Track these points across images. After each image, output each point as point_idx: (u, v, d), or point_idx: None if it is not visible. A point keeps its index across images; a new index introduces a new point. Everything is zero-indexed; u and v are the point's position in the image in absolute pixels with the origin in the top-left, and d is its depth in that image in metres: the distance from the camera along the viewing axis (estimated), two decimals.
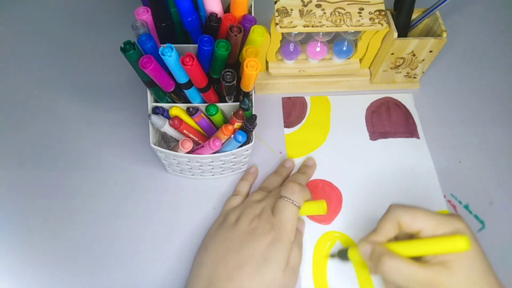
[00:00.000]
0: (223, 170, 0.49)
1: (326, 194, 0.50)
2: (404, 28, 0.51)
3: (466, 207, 0.50)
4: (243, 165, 0.50)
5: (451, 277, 0.34)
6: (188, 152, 0.43)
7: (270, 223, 0.41)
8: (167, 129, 0.43)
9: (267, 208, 0.43)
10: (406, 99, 0.57)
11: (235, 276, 0.39)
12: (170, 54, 0.36)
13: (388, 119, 0.55)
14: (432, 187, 0.51)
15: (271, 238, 0.40)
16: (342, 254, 0.44)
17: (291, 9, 0.47)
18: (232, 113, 0.44)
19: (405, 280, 0.35)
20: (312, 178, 0.51)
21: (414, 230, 0.37)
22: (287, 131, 0.54)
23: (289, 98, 0.57)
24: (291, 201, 0.42)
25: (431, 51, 0.51)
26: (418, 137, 0.54)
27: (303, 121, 0.55)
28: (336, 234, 0.48)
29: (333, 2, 0.47)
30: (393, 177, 0.51)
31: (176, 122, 0.42)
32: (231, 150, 0.44)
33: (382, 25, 0.47)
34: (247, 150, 0.45)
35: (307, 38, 0.52)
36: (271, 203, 0.44)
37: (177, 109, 0.44)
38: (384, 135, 0.54)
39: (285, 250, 0.40)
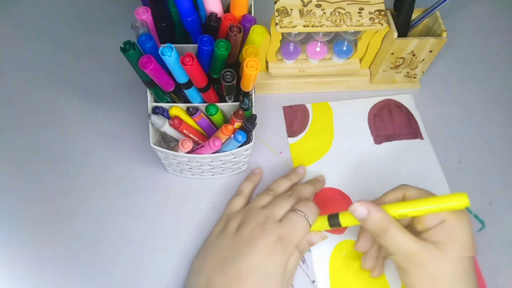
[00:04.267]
0: (223, 170, 0.49)
1: (337, 203, 0.49)
2: (404, 28, 0.51)
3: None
4: (243, 165, 0.50)
5: (437, 260, 0.34)
6: (188, 152, 0.43)
7: (276, 235, 0.39)
8: (167, 129, 0.43)
9: (272, 218, 0.41)
10: (407, 100, 0.57)
11: None
12: (170, 54, 0.36)
13: (391, 122, 0.55)
14: (440, 186, 0.51)
15: (276, 250, 0.39)
16: (333, 219, 0.40)
17: (291, 9, 0.47)
18: (232, 113, 0.44)
19: (393, 249, 0.35)
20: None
21: None
22: (291, 140, 0.53)
23: (290, 106, 0.56)
24: (306, 216, 0.40)
25: (431, 51, 0.51)
26: (422, 138, 0.54)
27: (306, 129, 0.54)
28: None
29: (333, 2, 0.47)
30: (401, 179, 0.50)
31: (176, 122, 0.42)
32: (231, 150, 0.44)
33: (382, 25, 0.47)
34: (247, 150, 0.45)
35: (307, 38, 0.52)
36: (277, 212, 0.42)
37: (177, 109, 0.44)
38: (389, 138, 0.54)
39: (286, 261, 0.39)
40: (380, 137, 0.54)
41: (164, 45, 0.36)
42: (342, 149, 0.53)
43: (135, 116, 0.54)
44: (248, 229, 0.40)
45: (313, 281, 0.45)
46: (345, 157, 0.52)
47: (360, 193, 0.50)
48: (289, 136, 0.54)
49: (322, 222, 0.41)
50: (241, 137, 0.42)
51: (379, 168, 0.52)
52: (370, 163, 0.52)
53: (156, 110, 0.44)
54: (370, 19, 0.47)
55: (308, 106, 0.56)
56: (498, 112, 0.57)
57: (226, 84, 0.40)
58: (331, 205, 0.49)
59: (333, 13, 0.47)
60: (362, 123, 0.55)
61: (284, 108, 0.56)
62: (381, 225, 0.35)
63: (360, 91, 0.57)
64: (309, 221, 0.40)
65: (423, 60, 0.53)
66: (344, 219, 0.39)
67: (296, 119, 0.55)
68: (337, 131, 0.54)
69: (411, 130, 0.55)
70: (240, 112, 0.42)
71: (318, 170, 0.51)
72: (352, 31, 0.50)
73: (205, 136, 0.47)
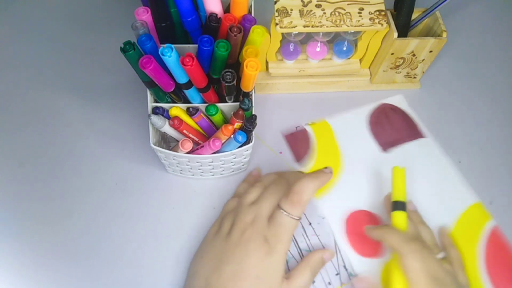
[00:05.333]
0: (223, 170, 0.49)
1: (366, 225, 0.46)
2: (404, 28, 0.51)
3: None
4: (243, 165, 0.50)
5: None
6: (188, 152, 0.43)
7: (263, 236, 0.39)
8: (167, 129, 0.43)
9: (260, 217, 0.41)
10: (399, 101, 0.56)
11: None
12: (170, 54, 0.36)
13: (391, 126, 0.54)
14: (456, 180, 0.51)
15: (264, 253, 0.39)
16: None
17: (291, 9, 0.47)
18: (232, 113, 0.44)
19: None
20: (350, 211, 0.49)
21: None
22: (301, 168, 0.51)
23: (291, 134, 0.53)
24: (290, 215, 0.40)
25: (431, 51, 0.51)
26: (423, 136, 0.54)
27: (313, 153, 0.52)
28: None
29: (333, 2, 0.47)
30: (419, 182, 0.50)
31: (176, 122, 0.42)
32: (231, 150, 0.44)
33: (382, 25, 0.47)
34: (247, 150, 0.45)
35: (307, 38, 0.52)
36: (265, 209, 0.41)
37: (177, 109, 0.44)
38: (393, 143, 0.53)
39: (279, 262, 0.39)
40: (385, 144, 0.53)
41: (164, 45, 0.36)
42: (354, 166, 0.51)
43: (135, 116, 0.54)
44: (238, 231, 0.40)
45: (313, 282, 0.45)
46: (359, 174, 0.51)
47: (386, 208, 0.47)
48: (297, 163, 0.52)
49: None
50: (241, 137, 0.42)
51: None
52: (384, 172, 0.50)
53: (156, 111, 0.44)
54: (370, 19, 0.47)
55: (308, 128, 0.54)
56: (498, 112, 0.57)
57: (226, 84, 0.40)
58: (362, 228, 0.46)
59: (333, 13, 0.47)
60: (365, 134, 0.54)
61: (286, 136, 0.53)
62: None
63: (360, 91, 0.57)
64: (294, 218, 0.40)
65: (423, 60, 0.53)
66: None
67: (299, 145, 0.53)
68: (343, 148, 0.53)
69: (411, 131, 0.54)
70: (240, 112, 0.42)
71: (338, 196, 0.50)
72: (352, 31, 0.50)
73: (205, 137, 0.47)
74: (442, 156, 0.52)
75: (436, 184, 0.51)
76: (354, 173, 0.51)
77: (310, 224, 0.48)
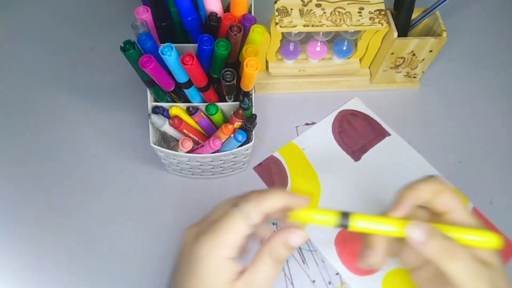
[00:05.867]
0: (223, 170, 0.49)
1: (357, 239, 0.44)
2: (404, 28, 0.51)
3: None
4: (243, 164, 0.50)
5: None
6: (188, 152, 0.43)
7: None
8: (167, 128, 0.43)
9: (206, 218, 0.34)
10: (356, 104, 0.56)
11: None
12: (170, 54, 0.36)
13: (356, 132, 0.54)
14: (428, 170, 0.51)
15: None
16: (343, 219, 0.31)
17: (291, 9, 0.47)
18: (232, 112, 0.44)
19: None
20: (336, 231, 0.48)
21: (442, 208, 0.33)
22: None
23: (259, 164, 0.52)
24: (241, 210, 0.31)
25: (431, 51, 0.51)
26: (389, 134, 0.54)
27: (289, 180, 0.51)
28: None
29: (333, 2, 0.47)
30: (397, 181, 0.50)
31: (176, 121, 0.42)
32: (231, 149, 0.43)
33: (382, 24, 0.47)
34: (247, 150, 0.45)
35: (307, 37, 0.52)
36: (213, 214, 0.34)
37: (177, 109, 0.44)
38: (363, 149, 0.53)
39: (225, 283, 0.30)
40: (355, 152, 0.53)
41: (164, 44, 0.36)
42: (332, 183, 0.49)
43: (135, 116, 0.54)
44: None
45: (313, 281, 0.45)
46: (337, 190, 0.50)
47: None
48: None
49: (329, 217, 0.32)
50: (241, 137, 0.42)
51: (373, 182, 0.50)
52: (362, 182, 0.50)
53: (156, 110, 0.44)
54: (370, 18, 0.47)
55: (276, 154, 0.53)
56: (498, 112, 0.57)
57: (226, 83, 0.40)
58: (354, 244, 0.46)
59: (333, 12, 0.47)
60: (334, 147, 0.53)
61: (255, 168, 0.52)
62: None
63: (360, 91, 0.57)
64: (243, 215, 0.31)
65: (423, 60, 0.53)
66: (355, 225, 0.31)
67: (272, 173, 0.51)
68: (316, 167, 0.52)
69: (376, 132, 0.54)
70: (240, 111, 0.42)
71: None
72: (352, 30, 0.50)
73: (205, 136, 0.47)
74: (410, 150, 0.53)
75: (413, 176, 0.50)
76: (332, 191, 0.49)
77: None
